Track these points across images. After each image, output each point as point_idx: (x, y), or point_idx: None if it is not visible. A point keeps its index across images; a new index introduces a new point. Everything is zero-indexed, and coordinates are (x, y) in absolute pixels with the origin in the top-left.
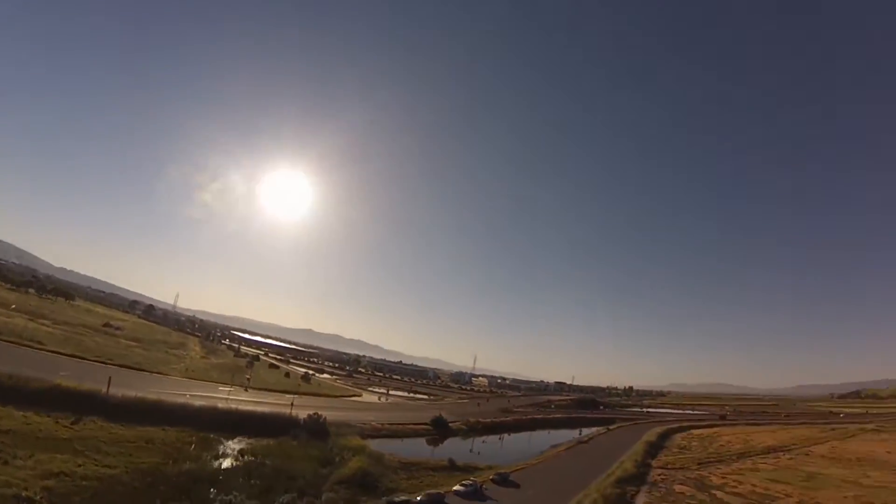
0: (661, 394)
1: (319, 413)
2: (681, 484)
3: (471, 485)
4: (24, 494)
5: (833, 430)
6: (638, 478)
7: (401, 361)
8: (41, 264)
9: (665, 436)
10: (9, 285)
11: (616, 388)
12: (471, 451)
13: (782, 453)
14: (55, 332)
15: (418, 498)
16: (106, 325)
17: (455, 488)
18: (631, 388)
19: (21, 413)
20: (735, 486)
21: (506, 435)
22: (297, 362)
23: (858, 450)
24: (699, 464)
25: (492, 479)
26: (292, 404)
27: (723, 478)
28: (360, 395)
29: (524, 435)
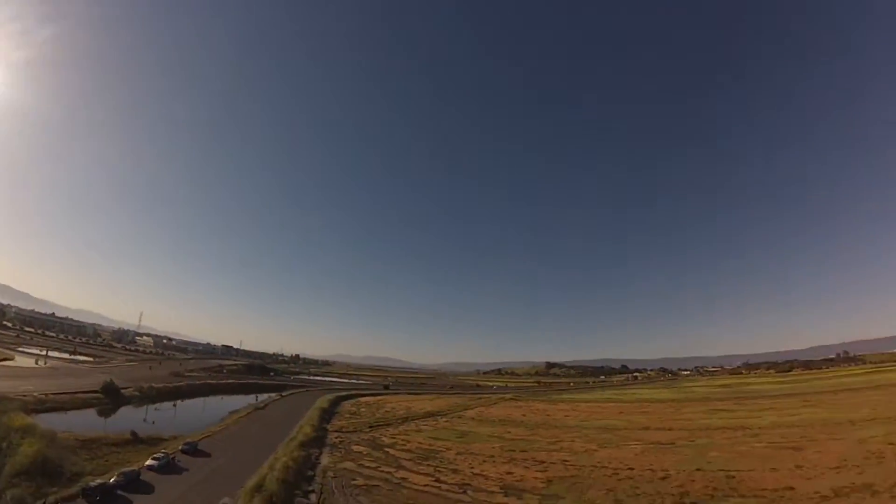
0: (327, 363)
1: None
2: (357, 445)
3: (163, 457)
4: None
5: (480, 398)
6: (318, 440)
7: (53, 314)
8: None
9: (336, 402)
10: None
11: (283, 355)
12: (144, 420)
13: (440, 417)
14: None
15: (112, 479)
16: None
17: (148, 463)
18: (298, 355)
19: None
20: (404, 444)
21: (180, 401)
22: None
23: (500, 413)
24: (370, 427)
25: (181, 450)
26: None
27: (392, 438)
28: (12, 359)
29: (199, 401)
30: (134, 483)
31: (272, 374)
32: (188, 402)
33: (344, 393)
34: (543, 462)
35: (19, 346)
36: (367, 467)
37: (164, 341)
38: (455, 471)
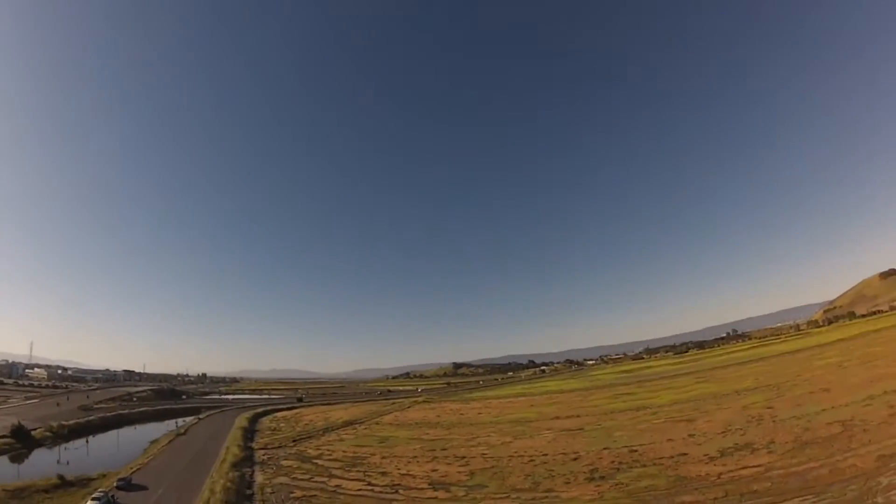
0: (235, 380)
1: None
2: (286, 459)
3: (102, 496)
4: None
5: (393, 403)
6: (248, 460)
7: None
8: None
9: (254, 420)
10: None
11: (189, 376)
12: (58, 461)
13: (358, 425)
14: None
15: None
16: None
17: None
18: (205, 374)
19: None
20: (330, 454)
21: (94, 436)
22: None
23: (416, 417)
24: (293, 441)
25: (117, 486)
26: None
27: (318, 449)
28: None
29: (114, 434)
30: None
31: (184, 396)
32: (103, 435)
33: (260, 409)
34: (464, 457)
35: None
36: (301, 479)
37: (59, 372)
38: (384, 473)
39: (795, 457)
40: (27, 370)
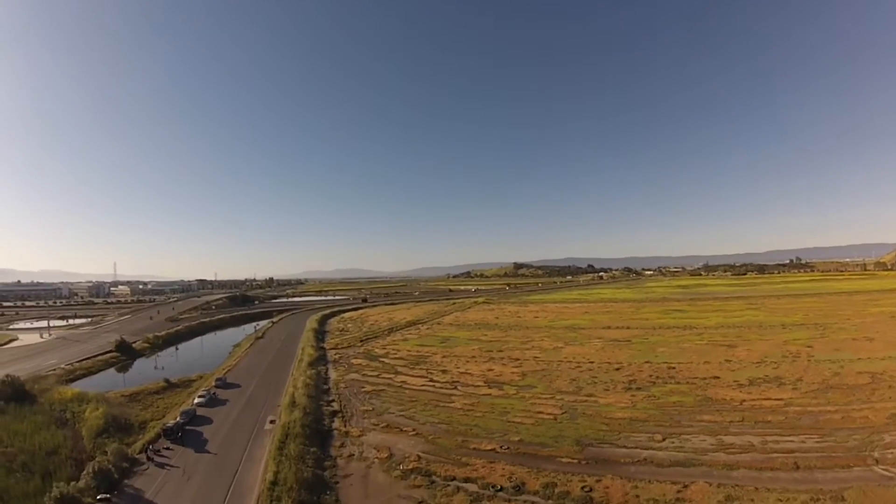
0: (300, 282)
1: (11, 375)
2: (355, 358)
3: (206, 393)
4: None
5: (454, 304)
6: (321, 359)
7: (18, 281)
8: None
9: (323, 321)
10: None
11: (257, 280)
12: (155, 367)
13: (421, 325)
14: None
15: (178, 418)
16: None
17: (196, 400)
18: (272, 278)
19: None
20: (395, 353)
21: (184, 343)
22: None
23: (476, 318)
24: (361, 341)
25: (215, 385)
26: None
27: (384, 348)
28: (16, 339)
29: (198, 340)
30: (195, 418)
31: (255, 302)
32: (190, 343)
33: (327, 311)
34: (518, 360)
35: (10, 325)
36: (370, 376)
37: (140, 287)
38: (444, 371)
39: (816, 398)
40: (112, 288)
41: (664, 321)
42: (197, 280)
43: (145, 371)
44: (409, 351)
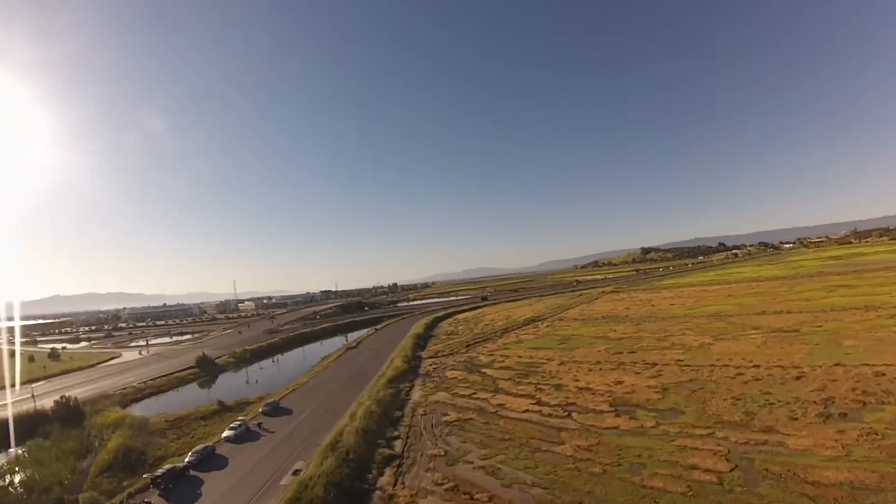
0: (426, 285)
1: (67, 396)
2: (452, 369)
3: (239, 426)
4: None
5: (580, 295)
6: (410, 372)
7: (164, 304)
8: None
9: (432, 325)
10: None
11: (382, 287)
12: (247, 382)
13: (540, 322)
14: None
15: (186, 460)
16: None
17: (224, 434)
18: (395, 284)
19: None
20: (503, 361)
21: (281, 355)
22: (46, 339)
23: (603, 309)
24: (467, 346)
25: (262, 412)
26: (34, 396)
27: (490, 355)
28: (119, 356)
29: (297, 351)
30: (209, 459)
31: (366, 308)
32: (286, 354)
33: (441, 313)
34: (655, 364)
35: (130, 343)
36: (461, 396)
37: (265, 301)
38: (558, 387)
39: None
40: (238, 304)
41: (832, 301)
42: (321, 291)
43: (228, 387)
44: (519, 357)
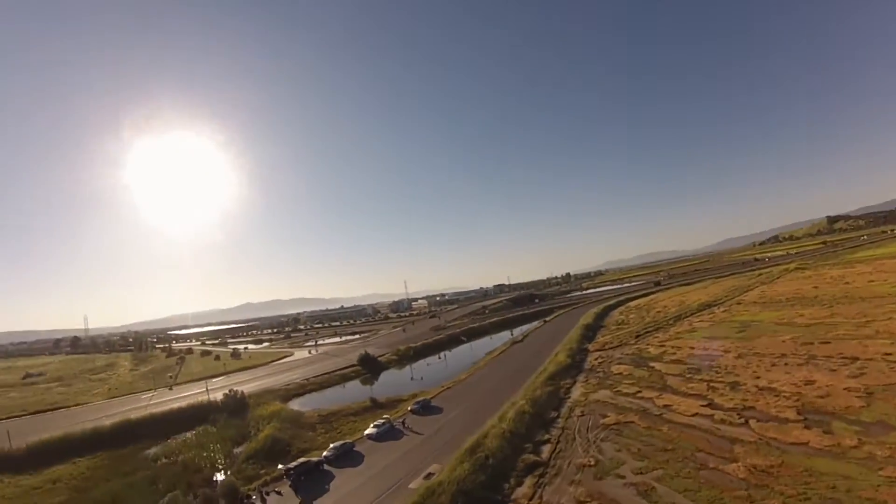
0: (600, 273)
1: (235, 389)
2: (618, 364)
3: (383, 423)
4: None
5: (760, 275)
6: (573, 367)
7: (342, 306)
8: None
9: (602, 315)
10: None
11: (555, 278)
12: (411, 378)
13: (716, 307)
14: None
15: (324, 454)
16: (26, 376)
17: (367, 431)
18: (568, 274)
19: None
20: (674, 353)
21: (447, 352)
22: (234, 340)
23: (786, 290)
24: (637, 337)
25: (411, 410)
26: (207, 390)
27: (661, 346)
28: (291, 355)
29: (464, 347)
30: (345, 455)
31: (536, 301)
32: (455, 350)
33: (613, 301)
34: (856, 359)
35: (304, 343)
36: (624, 395)
37: (437, 298)
38: (734, 385)
39: None
40: (412, 303)
41: None
42: (494, 286)
43: (389, 384)
44: (691, 349)
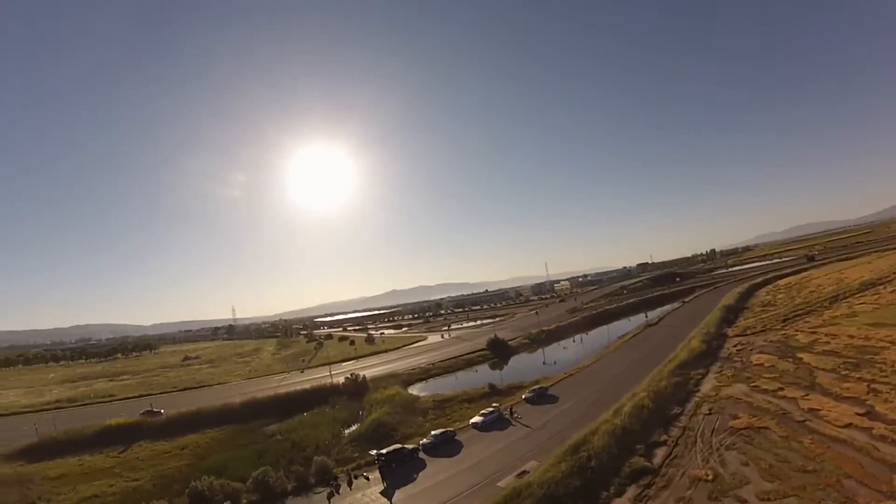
0: (747, 248)
1: (356, 373)
2: (760, 353)
3: (491, 412)
4: None
5: None
6: (707, 355)
7: (486, 290)
8: (134, 329)
9: (746, 294)
10: (96, 359)
11: (700, 255)
12: (543, 363)
13: (882, 287)
14: (130, 383)
15: (422, 441)
16: (185, 359)
17: (473, 420)
18: (713, 250)
19: (77, 458)
20: (827, 343)
21: (584, 335)
22: (375, 326)
23: None
24: (784, 321)
25: (525, 398)
26: (331, 373)
27: (812, 333)
28: (424, 339)
29: (600, 329)
30: (445, 444)
31: (677, 279)
32: (591, 333)
33: (759, 279)
34: None
35: (441, 328)
36: (763, 391)
37: (580, 279)
38: None
39: None
40: (554, 285)
41: None
42: (637, 265)
43: (518, 368)
44: (850, 338)
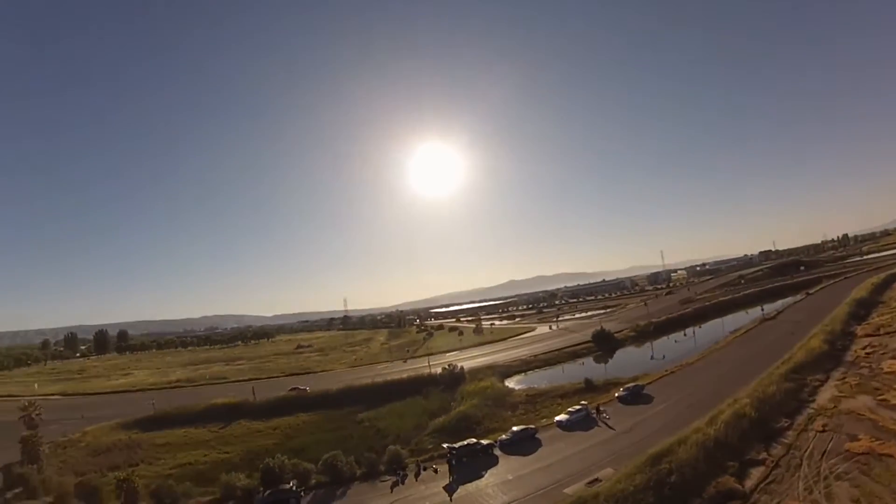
0: (887, 233)
1: (453, 364)
2: (894, 358)
3: (578, 410)
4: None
5: None
6: (828, 357)
7: (603, 280)
8: (255, 319)
9: (882, 286)
10: (219, 346)
11: (831, 241)
12: (651, 357)
13: None
14: (244, 367)
15: (500, 437)
16: (297, 347)
17: (557, 418)
18: (846, 235)
19: (182, 430)
20: None
21: (696, 327)
22: (488, 317)
23: None
24: None
25: (617, 397)
26: (429, 364)
27: None
28: (532, 330)
29: (714, 322)
30: (523, 441)
31: (802, 268)
32: (705, 325)
33: None
34: None
35: (552, 319)
36: (894, 408)
37: (698, 268)
38: None
39: None
40: (671, 274)
41: None
42: (759, 252)
43: (624, 361)
44: None
